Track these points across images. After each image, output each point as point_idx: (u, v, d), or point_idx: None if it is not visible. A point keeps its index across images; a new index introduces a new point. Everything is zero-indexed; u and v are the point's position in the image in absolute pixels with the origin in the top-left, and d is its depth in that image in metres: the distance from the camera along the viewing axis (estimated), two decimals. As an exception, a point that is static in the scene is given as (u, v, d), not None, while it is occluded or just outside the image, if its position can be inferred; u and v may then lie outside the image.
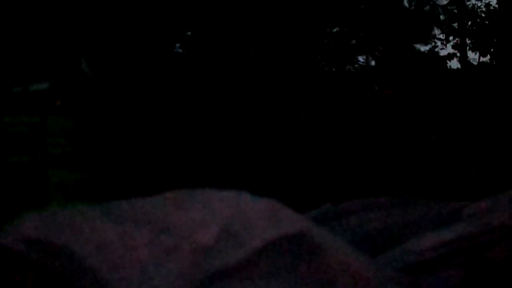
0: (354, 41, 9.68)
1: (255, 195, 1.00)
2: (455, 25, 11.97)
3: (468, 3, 11.80)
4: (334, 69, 9.69)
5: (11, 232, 0.88)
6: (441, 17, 11.52)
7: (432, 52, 11.50)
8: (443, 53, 11.84)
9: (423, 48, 11.10)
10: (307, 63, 8.09)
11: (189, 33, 8.53)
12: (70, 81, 1.17)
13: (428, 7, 10.91)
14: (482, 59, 11.71)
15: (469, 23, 11.84)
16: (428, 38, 10.96)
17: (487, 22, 11.73)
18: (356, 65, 10.09)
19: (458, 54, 11.91)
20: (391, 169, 8.39)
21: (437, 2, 10.81)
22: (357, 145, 8.63)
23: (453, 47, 12.15)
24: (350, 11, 9.47)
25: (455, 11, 11.73)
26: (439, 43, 12.13)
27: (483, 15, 11.95)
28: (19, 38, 1.22)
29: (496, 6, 11.82)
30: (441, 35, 11.99)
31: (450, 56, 11.79)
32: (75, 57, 1.23)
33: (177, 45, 8.47)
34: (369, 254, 1.18)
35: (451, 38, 12.14)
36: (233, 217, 0.97)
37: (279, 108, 7.81)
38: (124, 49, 7.45)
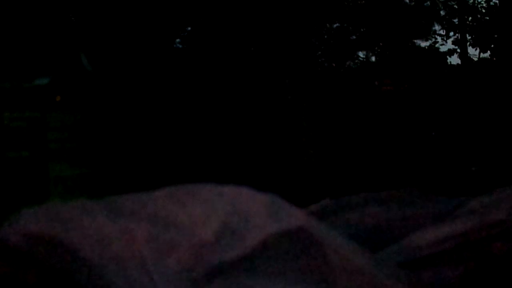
0: (354, 37, 9.67)
1: (255, 190, 1.00)
2: (456, 20, 11.95)
3: (469, -2, 11.82)
4: (334, 65, 9.68)
5: (12, 226, 0.88)
6: (442, 12, 11.50)
7: (432, 48, 11.49)
8: (443, 49, 11.81)
9: (423, 44, 11.08)
10: (307, 58, 8.08)
11: (189, 28, 8.52)
12: (70, 77, 1.17)
13: (428, 2, 10.90)
14: (482, 55, 11.69)
15: (470, 18, 11.82)
16: (428, 33, 10.95)
17: (487, 18, 11.70)
18: (356, 61, 10.08)
19: (458, 50, 11.90)
20: (391, 164, 8.39)
21: (437, -2, 10.81)
22: (357, 140, 8.63)
23: (453, 42, 12.12)
24: (350, 6, 9.46)
25: (456, 6, 11.71)
26: (439, 38, 12.10)
27: (484, 10, 11.93)
28: (20, 34, 1.22)
29: (497, 1, 11.79)
30: (441, 30, 11.97)
31: (450, 52, 11.77)
32: (75, 52, 1.23)
33: (177, 40, 8.47)
34: (369, 249, 1.18)
35: (451, 33, 12.11)
36: (233, 213, 0.97)
37: (279, 104, 7.80)
38: (124, 44, 7.44)
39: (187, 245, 0.93)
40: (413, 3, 10.45)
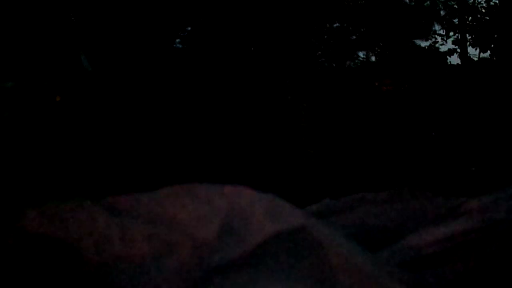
0: (354, 37, 9.67)
1: (256, 189, 1.00)
2: (456, 20, 11.95)
3: (469, -2, 11.81)
4: (334, 65, 9.68)
5: (13, 226, 0.88)
6: (442, 12, 11.50)
7: (432, 48, 11.48)
8: (443, 48, 11.81)
9: (424, 44, 11.07)
10: (307, 58, 8.08)
11: (189, 28, 8.52)
12: (70, 77, 1.17)
13: (428, 2, 10.91)
14: (482, 55, 11.68)
15: (470, 18, 11.81)
16: (428, 33, 10.94)
17: (487, 18, 11.69)
18: (356, 61, 10.08)
19: (458, 50, 11.89)
20: (391, 164, 8.39)
21: (437, -2, 10.81)
22: (357, 140, 8.63)
23: (454, 42, 12.11)
24: (350, 6, 9.47)
25: (456, 6, 11.71)
26: (439, 38, 12.09)
27: (484, 10, 11.92)
28: (20, 35, 1.22)
29: (497, 1, 11.79)
30: (441, 30, 11.96)
31: (450, 52, 11.76)
32: (75, 52, 1.23)
33: (177, 40, 8.47)
34: (369, 249, 1.18)
35: (451, 33, 12.10)
36: (233, 213, 0.97)
37: (279, 103, 7.81)
38: (124, 44, 7.44)
39: (187, 245, 0.93)
40: (413, 3, 10.45)
